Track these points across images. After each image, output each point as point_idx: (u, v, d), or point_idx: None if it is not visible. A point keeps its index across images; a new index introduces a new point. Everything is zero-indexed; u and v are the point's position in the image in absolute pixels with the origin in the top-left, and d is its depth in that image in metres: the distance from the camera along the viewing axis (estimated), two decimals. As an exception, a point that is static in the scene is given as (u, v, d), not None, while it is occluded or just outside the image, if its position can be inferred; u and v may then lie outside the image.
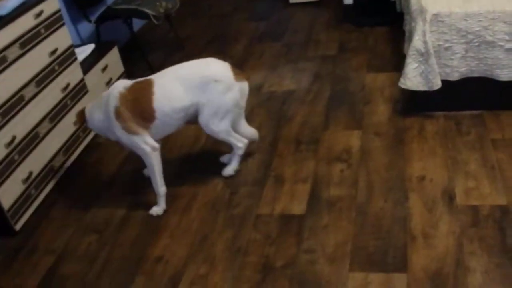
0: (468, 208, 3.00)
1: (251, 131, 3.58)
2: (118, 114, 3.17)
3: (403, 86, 3.73)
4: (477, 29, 3.55)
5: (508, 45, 3.57)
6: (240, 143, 3.46)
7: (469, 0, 3.63)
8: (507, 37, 3.55)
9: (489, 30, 3.55)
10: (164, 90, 3.20)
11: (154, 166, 3.25)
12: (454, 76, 3.68)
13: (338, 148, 3.63)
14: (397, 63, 4.40)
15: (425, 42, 3.58)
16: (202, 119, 3.29)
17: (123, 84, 3.23)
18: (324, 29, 5.43)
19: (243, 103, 3.39)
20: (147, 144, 3.21)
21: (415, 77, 3.67)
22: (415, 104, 3.87)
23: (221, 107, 3.25)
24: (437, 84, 3.64)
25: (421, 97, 3.78)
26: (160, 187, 3.30)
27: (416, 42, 3.60)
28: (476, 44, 3.58)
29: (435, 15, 3.55)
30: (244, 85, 3.36)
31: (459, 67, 3.65)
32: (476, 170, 3.28)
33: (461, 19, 3.54)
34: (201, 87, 3.21)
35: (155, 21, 4.82)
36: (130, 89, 3.20)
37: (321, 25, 5.57)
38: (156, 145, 3.25)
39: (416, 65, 3.64)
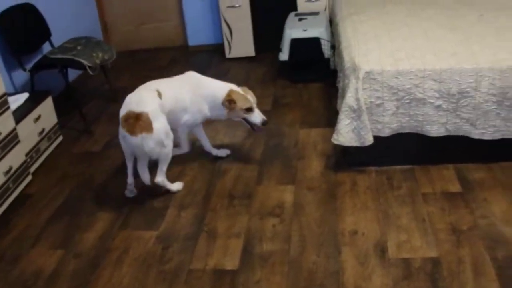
0: (400, 261, 3.08)
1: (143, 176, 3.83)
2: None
3: (335, 142, 3.83)
4: (408, 86, 3.69)
5: (438, 102, 3.72)
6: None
7: (401, 59, 3.79)
8: (436, 95, 3.71)
9: (420, 87, 3.70)
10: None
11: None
12: (386, 132, 3.81)
13: (271, 203, 3.68)
14: (330, 119, 4.52)
15: (357, 99, 3.69)
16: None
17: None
18: (259, 84, 5.54)
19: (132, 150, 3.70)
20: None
21: (347, 133, 3.77)
22: (348, 159, 3.98)
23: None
24: (369, 140, 3.75)
25: (353, 152, 3.89)
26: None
27: (349, 99, 3.72)
28: (407, 101, 3.72)
29: (368, 73, 3.69)
30: (126, 135, 3.62)
31: (390, 123, 3.78)
32: (407, 223, 3.38)
33: (392, 77, 3.68)
34: None
35: (90, 72, 4.83)
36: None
37: (256, 80, 5.69)
38: None
39: (348, 121, 3.75)
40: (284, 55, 5.49)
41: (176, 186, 3.90)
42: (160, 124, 3.59)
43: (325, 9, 6.17)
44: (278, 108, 4.99)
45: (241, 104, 3.88)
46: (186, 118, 3.97)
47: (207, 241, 3.38)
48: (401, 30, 4.36)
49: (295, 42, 5.42)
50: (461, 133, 3.83)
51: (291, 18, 5.85)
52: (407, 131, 3.84)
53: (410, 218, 3.43)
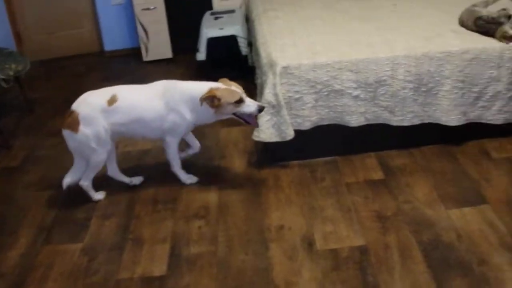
0: (328, 252, 3.11)
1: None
2: None
3: (256, 139, 3.84)
4: (326, 79, 3.73)
5: (356, 92, 3.78)
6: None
7: (317, 52, 3.84)
8: (354, 85, 3.76)
9: (337, 79, 3.75)
10: None
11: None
12: (306, 125, 3.84)
13: (195, 205, 3.66)
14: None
15: (275, 95, 3.71)
16: None
17: None
18: (178, 86, 5.48)
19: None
20: None
21: (268, 129, 3.78)
22: (270, 155, 4.01)
23: None
24: (290, 135, 3.77)
25: (275, 148, 3.91)
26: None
27: (267, 95, 3.73)
28: (325, 93, 3.76)
29: (285, 68, 3.71)
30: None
31: (310, 116, 3.81)
32: (333, 214, 3.43)
33: (309, 70, 3.72)
34: None
35: (4, 85, 4.68)
36: None
37: (175, 81, 5.62)
38: None
39: (268, 117, 3.77)
40: (201, 55, 5.46)
41: (98, 195, 3.82)
42: (88, 129, 3.53)
43: (241, 7, 6.18)
44: (199, 108, 4.96)
45: (228, 98, 3.51)
46: (167, 126, 3.68)
47: (133, 249, 3.32)
48: (317, 23, 4.42)
49: (212, 41, 5.40)
50: (380, 121, 3.90)
51: (207, 17, 5.83)
52: (327, 122, 3.89)
53: (335, 209, 3.47)
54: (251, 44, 5.22)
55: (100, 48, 6.90)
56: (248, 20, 5.65)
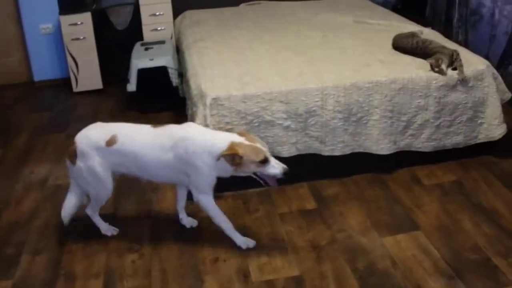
0: (263, 284, 3.13)
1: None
2: None
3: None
4: (256, 110, 3.77)
5: (286, 123, 3.83)
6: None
7: (247, 83, 3.87)
8: (284, 116, 3.81)
9: (268, 110, 3.79)
10: None
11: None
12: (238, 157, 3.85)
13: (128, 239, 3.62)
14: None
15: (206, 126, 3.71)
16: None
17: None
18: (109, 118, 5.43)
19: None
20: None
21: (200, 160, 3.77)
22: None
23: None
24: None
25: (208, 179, 3.88)
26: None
27: (198, 126, 3.73)
28: (256, 124, 3.80)
29: (215, 99, 3.73)
30: None
31: (241, 148, 3.82)
32: (267, 245, 3.45)
33: (240, 101, 3.75)
34: None
35: None
36: None
37: (106, 113, 5.59)
38: None
39: (200, 148, 3.76)
40: (132, 86, 5.44)
41: (108, 230, 3.68)
42: (83, 163, 3.42)
43: (171, 37, 6.19)
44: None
45: (252, 157, 3.16)
46: (192, 180, 3.38)
47: (65, 285, 3.26)
48: (247, 54, 4.46)
49: (142, 72, 5.38)
50: (312, 151, 3.96)
51: (137, 48, 5.82)
52: (259, 153, 3.91)
53: (269, 240, 3.50)
54: (182, 75, 5.23)
55: (29, 78, 6.77)
56: (178, 51, 5.67)
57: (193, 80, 4.15)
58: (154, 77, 5.41)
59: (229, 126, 3.78)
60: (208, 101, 3.74)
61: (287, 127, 3.85)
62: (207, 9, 6.23)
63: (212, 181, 3.36)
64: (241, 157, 3.14)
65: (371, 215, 3.72)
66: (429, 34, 4.92)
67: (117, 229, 3.68)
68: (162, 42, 5.94)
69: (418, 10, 6.84)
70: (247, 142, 3.20)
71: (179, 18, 6.13)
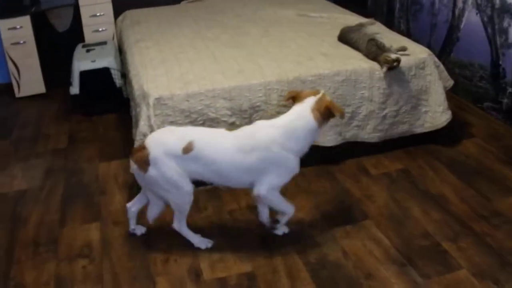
0: (216, 282, 3.15)
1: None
2: None
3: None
4: (200, 108, 3.78)
5: (231, 120, 3.85)
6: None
7: (190, 81, 3.88)
8: (229, 112, 3.83)
9: (211, 107, 3.80)
10: None
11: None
12: (184, 155, 3.86)
13: (78, 244, 3.59)
14: (129, 149, 4.46)
15: (150, 126, 3.72)
16: None
17: None
18: (53, 122, 5.40)
19: None
20: None
21: (146, 161, 3.77)
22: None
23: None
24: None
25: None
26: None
27: (142, 127, 3.74)
28: (201, 122, 3.82)
29: (158, 99, 3.73)
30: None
31: (187, 146, 3.83)
32: (218, 242, 3.47)
33: (183, 100, 3.75)
34: None
35: None
36: None
37: (50, 117, 5.53)
38: None
39: (146, 149, 3.75)
40: (75, 89, 5.39)
41: (200, 240, 3.49)
42: (158, 171, 3.21)
43: (113, 38, 6.16)
44: (75, 144, 4.89)
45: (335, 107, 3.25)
46: (267, 180, 3.26)
47: (14, 296, 3.23)
48: (189, 52, 4.47)
49: (84, 74, 5.34)
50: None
51: (79, 50, 5.76)
52: (206, 151, 3.92)
53: (220, 237, 3.52)
54: (125, 75, 5.21)
55: (-31, 85, 6.66)
56: (121, 52, 5.64)
57: (136, 80, 4.14)
58: (97, 78, 5.37)
59: (173, 126, 3.79)
60: (151, 101, 3.74)
61: (232, 123, 3.87)
62: (148, 8, 6.21)
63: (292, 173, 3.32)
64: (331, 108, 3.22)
65: (320, 207, 3.78)
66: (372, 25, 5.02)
67: (211, 241, 3.48)
68: (104, 43, 5.89)
69: (360, 1, 6.94)
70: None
71: (120, 18, 6.10)
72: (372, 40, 4.28)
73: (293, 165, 3.27)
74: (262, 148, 3.18)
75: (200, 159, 3.21)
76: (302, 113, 3.21)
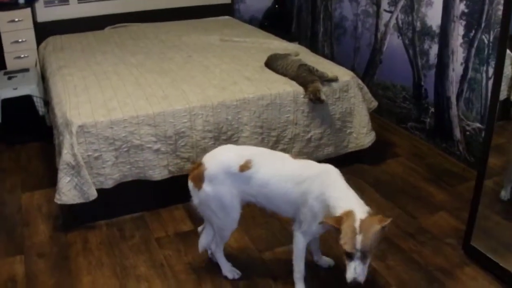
0: None
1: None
2: None
3: (59, 202, 3.78)
4: (124, 135, 3.76)
5: (156, 146, 3.85)
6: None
7: (113, 108, 3.86)
8: (154, 139, 3.83)
9: (136, 134, 3.79)
10: None
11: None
12: (109, 184, 3.84)
13: (1, 279, 3.48)
14: (52, 179, 4.39)
15: (74, 155, 3.68)
16: None
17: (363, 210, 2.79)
18: (-27, 152, 5.27)
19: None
20: None
21: (69, 190, 3.73)
22: (76, 217, 3.93)
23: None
24: (92, 195, 3.75)
25: (80, 209, 3.85)
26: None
27: (65, 155, 3.69)
28: (125, 149, 3.79)
29: (81, 127, 3.70)
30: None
31: (112, 174, 3.82)
32: (146, 271, 3.44)
33: (106, 127, 3.73)
34: None
35: None
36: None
37: (-31, 148, 5.39)
38: None
39: (68, 178, 3.72)
40: (-4, 118, 5.29)
41: (230, 271, 3.40)
42: (211, 189, 3.11)
43: (36, 65, 6.06)
44: (-3, 174, 4.80)
45: (342, 240, 2.73)
46: (304, 217, 3.07)
47: None
48: (112, 79, 4.44)
49: (6, 102, 5.23)
50: (185, 172, 3.95)
51: (0, 77, 5.64)
52: (130, 179, 3.91)
53: (148, 266, 3.49)
54: (48, 103, 5.13)
55: None
56: (44, 79, 5.56)
57: (58, 108, 4.07)
58: (19, 107, 5.27)
59: (97, 154, 3.77)
60: (74, 129, 3.69)
61: (157, 150, 3.86)
62: (72, 34, 6.12)
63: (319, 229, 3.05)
64: (338, 231, 2.74)
65: (249, 232, 3.79)
66: (296, 49, 5.10)
67: (240, 273, 3.39)
68: (26, 70, 5.79)
69: (284, 26, 7.04)
70: (363, 224, 2.71)
71: (43, 44, 6.00)
72: (304, 65, 4.35)
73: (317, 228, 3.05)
74: (307, 187, 3.01)
75: (255, 179, 3.11)
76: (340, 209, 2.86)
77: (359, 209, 2.76)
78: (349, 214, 2.72)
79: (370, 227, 2.68)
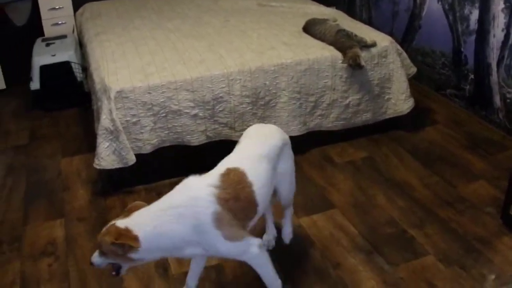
0: (183, 275, 3.10)
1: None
2: (219, 222, 2.50)
3: (98, 167, 3.79)
4: (162, 100, 3.75)
5: (194, 111, 3.83)
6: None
7: (151, 73, 3.84)
8: (191, 104, 3.80)
9: (174, 99, 3.77)
10: (260, 178, 2.70)
11: (268, 263, 2.71)
12: (147, 149, 3.84)
13: (42, 242, 3.54)
14: (91, 144, 4.44)
15: (112, 120, 3.68)
16: (284, 195, 2.98)
17: (208, 182, 2.60)
18: (13, 118, 5.32)
19: None
20: (253, 245, 2.60)
21: (108, 155, 3.74)
22: (114, 182, 3.95)
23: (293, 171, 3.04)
24: (131, 160, 3.75)
25: (118, 174, 3.88)
26: (276, 281, 2.77)
27: (104, 121, 3.70)
28: (163, 114, 3.78)
29: (119, 92, 3.69)
30: None
31: (150, 139, 3.82)
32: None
33: (144, 92, 3.72)
34: (279, 156, 2.89)
35: None
36: (226, 187, 2.59)
37: (9, 114, 5.44)
38: (259, 239, 2.65)
39: (107, 143, 3.73)
40: (35, 84, 5.31)
41: None
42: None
43: (73, 31, 6.07)
44: (36, 140, 4.82)
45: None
46: None
47: (-21, 297, 3.18)
48: (149, 44, 4.42)
49: (44, 69, 5.26)
50: (222, 138, 3.97)
51: (38, 44, 5.68)
52: (168, 144, 3.91)
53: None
54: (86, 69, 5.14)
55: None
56: (81, 45, 5.57)
57: (96, 74, 4.08)
58: (58, 73, 5.30)
59: (135, 119, 3.77)
60: (113, 94, 3.69)
61: (195, 115, 3.85)
62: (108, 1, 6.13)
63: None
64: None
65: (286, 198, 3.78)
66: (333, 13, 5.02)
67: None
68: (64, 37, 5.81)
69: (321, -10, 6.94)
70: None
71: (80, 10, 6.00)
72: (342, 31, 4.28)
73: None
74: None
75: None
76: None
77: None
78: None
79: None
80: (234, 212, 2.55)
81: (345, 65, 4.09)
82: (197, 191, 2.55)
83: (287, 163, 2.98)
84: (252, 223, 2.71)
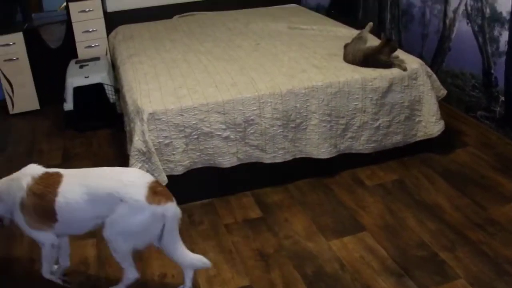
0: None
1: (193, 259, 3.10)
2: (22, 206, 2.98)
3: (131, 187, 3.79)
4: (194, 122, 3.77)
5: (225, 133, 3.84)
6: (131, 274, 3.12)
7: (183, 95, 3.87)
8: (223, 126, 3.82)
9: (206, 121, 3.79)
10: (68, 196, 2.92)
11: (49, 257, 3.16)
12: (179, 170, 3.85)
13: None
14: (123, 165, 4.40)
15: (145, 142, 3.70)
16: (106, 234, 2.99)
17: (33, 172, 3.04)
18: (47, 138, 5.37)
19: (168, 227, 3.02)
20: (47, 240, 3.07)
21: (141, 176, 3.75)
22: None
23: (125, 230, 2.94)
24: (163, 181, 3.76)
25: (151, 195, 3.86)
26: (46, 273, 3.20)
27: (137, 142, 3.72)
28: (195, 136, 3.79)
29: (151, 114, 3.71)
30: (161, 209, 2.95)
31: (182, 161, 3.83)
32: (214, 257, 3.43)
33: (177, 114, 3.74)
34: (107, 203, 2.89)
35: None
36: (38, 182, 2.98)
37: (43, 134, 5.50)
38: (56, 242, 3.10)
39: (140, 164, 3.75)
40: (68, 105, 5.37)
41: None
42: None
43: (106, 53, 6.14)
44: (69, 160, 4.86)
45: None
46: None
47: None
48: (181, 66, 4.46)
49: (78, 90, 5.32)
50: (253, 160, 3.97)
51: (72, 65, 5.74)
52: (200, 166, 3.92)
53: (216, 252, 3.49)
54: (118, 91, 5.19)
55: (-38, 102, 6.62)
56: (114, 67, 5.62)
57: (129, 95, 4.12)
58: (91, 94, 5.36)
59: (168, 141, 3.79)
60: (145, 116, 3.72)
61: (227, 137, 3.86)
62: (140, 23, 6.20)
63: None
64: None
65: (316, 219, 3.76)
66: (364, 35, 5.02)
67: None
68: (97, 59, 5.88)
69: (351, 13, 6.95)
70: None
71: (112, 33, 6.08)
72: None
73: None
74: None
75: None
76: None
77: None
78: None
79: None
80: (34, 206, 2.94)
81: (375, 87, 4.08)
82: (21, 175, 3.03)
83: (114, 216, 2.93)
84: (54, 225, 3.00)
